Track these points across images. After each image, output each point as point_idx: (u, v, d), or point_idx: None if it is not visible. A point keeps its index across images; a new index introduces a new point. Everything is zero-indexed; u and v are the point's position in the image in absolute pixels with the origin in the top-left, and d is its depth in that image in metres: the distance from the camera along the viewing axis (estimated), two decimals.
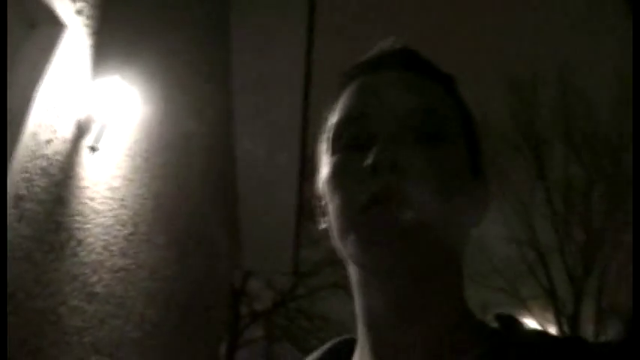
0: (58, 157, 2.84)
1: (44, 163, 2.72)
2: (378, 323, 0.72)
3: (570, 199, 15.81)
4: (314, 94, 5.57)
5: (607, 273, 15.02)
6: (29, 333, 2.66)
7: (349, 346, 0.81)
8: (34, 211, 2.66)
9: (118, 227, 3.48)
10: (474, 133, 0.80)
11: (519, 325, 0.73)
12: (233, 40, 5.38)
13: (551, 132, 15.99)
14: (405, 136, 0.71)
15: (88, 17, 3.00)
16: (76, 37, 2.91)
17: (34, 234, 2.68)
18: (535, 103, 16.03)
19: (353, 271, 0.75)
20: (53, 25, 2.77)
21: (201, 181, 4.89)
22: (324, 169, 0.78)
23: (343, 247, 0.72)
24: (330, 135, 0.78)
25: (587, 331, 14.99)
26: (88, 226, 3.16)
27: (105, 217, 3.32)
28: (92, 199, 3.18)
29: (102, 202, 3.28)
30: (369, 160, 0.69)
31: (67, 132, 2.91)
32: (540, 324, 15.03)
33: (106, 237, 3.34)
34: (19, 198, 2.56)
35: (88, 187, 3.13)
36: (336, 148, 0.76)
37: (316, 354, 0.85)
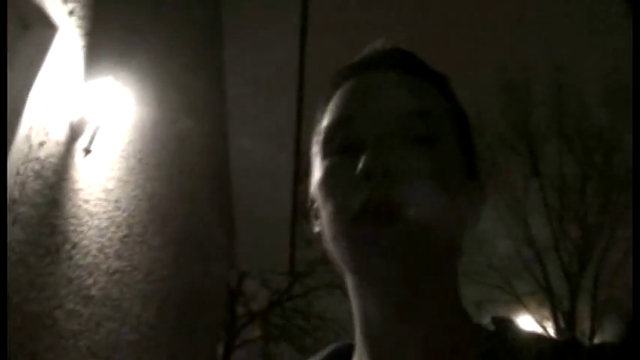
0: (52, 160, 2.81)
1: (37, 166, 2.70)
2: (375, 328, 0.71)
3: (565, 195, 15.84)
4: (308, 93, 5.56)
5: (602, 268, 15.06)
6: (25, 337, 2.64)
7: (347, 351, 0.80)
8: (27, 215, 2.64)
9: (113, 229, 3.46)
10: (468, 134, 0.78)
11: (515, 328, 0.73)
12: (227, 41, 5.36)
13: (545, 129, 16.03)
14: (397, 139, 0.70)
15: (80, 18, 2.98)
16: (69, 38, 2.89)
17: (28, 238, 2.66)
18: (529, 101, 16.05)
19: (348, 276, 0.74)
20: (45, 27, 2.75)
21: (196, 181, 4.88)
22: (316, 172, 0.77)
23: (336, 253, 0.71)
24: (322, 138, 0.76)
25: (584, 326, 15.04)
26: (83, 228, 3.14)
27: (99, 219, 3.30)
28: (86, 202, 3.16)
29: (96, 205, 3.26)
30: (360, 166, 0.67)
31: (61, 134, 2.89)
32: (536, 320, 15.08)
33: (101, 239, 3.32)
34: (13, 201, 2.54)
35: (82, 190, 3.11)
36: (327, 152, 0.75)
37: (314, 358, 0.84)
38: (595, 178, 15.58)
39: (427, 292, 0.70)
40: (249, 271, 11.52)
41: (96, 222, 3.26)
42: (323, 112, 0.79)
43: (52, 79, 2.79)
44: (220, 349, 13.64)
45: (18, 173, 2.57)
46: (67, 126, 2.94)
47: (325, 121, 0.77)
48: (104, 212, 3.35)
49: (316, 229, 0.78)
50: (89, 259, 3.20)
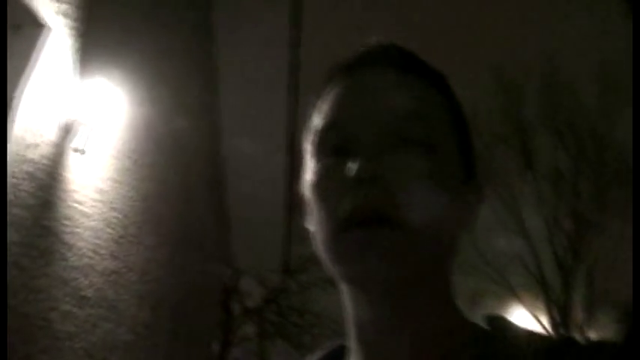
0: (45, 161, 2.80)
1: (30, 168, 2.68)
2: (369, 333, 0.70)
3: (558, 188, 15.88)
4: (301, 91, 5.55)
5: (596, 261, 15.11)
6: (20, 340, 2.63)
7: (341, 351, 0.78)
8: (21, 217, 2.62)
9: (108, 230, 3.45)
10: (466, 135, 0.76)
11: (510, 326, 0.72)
12: (219, 41, 5.34)
13: (538, 123, 16.06)
14: (393, 142, 0.68)
15: (72, 19, 2.96)
16: (61, 38, 2.88)
17: (22, 239, 2.64)
18: (522, 95, 16.08)
19: (339, 281, 0.72)
20: (37, 27, 2.74)
21: (190, 181, 4.86)
22: (308, 174, 0.74)
23: (325, 259, 0.69)
24: (315, 139, 0.74)
25: (578, 318, 15.09)
26: (77, 229, 3.12)
27: (94, 220, 3.29)
28: (80, 203, 3.15)
29: (90, 206, 3.25)
30: (351, 171, 0.65)
31: (53, 135, 2.88)
32: (531, 313, 15.11)
33: (95, 240, 3.30)
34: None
35: (75, 191, 3.10)
36: (320, 153, 0.72)
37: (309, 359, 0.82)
38: (588, 172, 15.63)
39: (421, 296, 0.68)
40: (244, 269, 11.50)
41: (90, 223, 3.25)
42: (317, 109, 0.77)
43: (44, 80, 2.77)
44: (216, 348, 13.62)
45: (11, 175, 2.56)
46: (59, 127, 2.93)
47: (319, 121, 0.75)
48: (98, 213, 3.33)
49: (310, 226, 0.75)
50: (84, 260, 3.19)
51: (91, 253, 3.24)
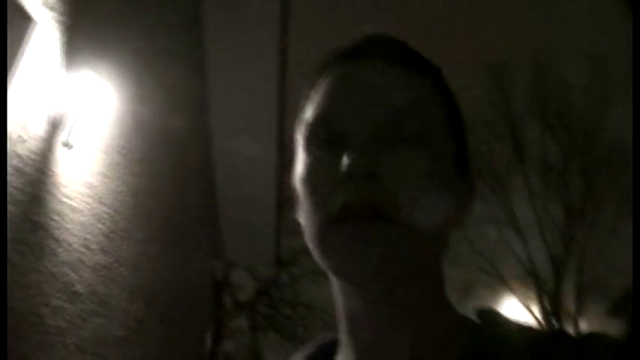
0: (32, 156, 2.78)
1: (18, 162, 2.66)
2: (358, 325, 0.70)
3: (548, 178, 15.96)
4: (291, 85, 5.54)
5: (586, 250, 15.21)
6: (10, 336, 2.61)
7: (332, 345, 0.78)
8: (9, 212, 2.61)
9: (97, 225, 3.43)
10: (460, 131, 0.75)
11: (501, 320, 0.71)
12: (207, 35, 5.32)
13: (527, 111, 16.11)
14: (386, 137, 0.66)
15: (58, 12, 2.94)
16: (47, 32, 2.85)
17: (11, 235, 2.63)
18: (510, 83, 16.11)
19: (330, 273, 0.71)
20: (22, 21, 2.71)
21: (179, 174, 4.85)
22: (299, 166, 0.73)
23: (315, 253, 0.69)
24: (305, 132, 0.73)
25: (569, 307, 15.19)
26: (67, 224, 3.11)
27: (83, 215, 3.27)
28: (69, 197, 3.13)
29: (79, 200, 3.23)
30: (343, 166, 0.64)
31: (41, 129, 2.86)
32: (522, 302, 15.20)
33: (85, 235, 3.29)
34: None
35: (64, 186, 3.08)
36: (311, 146, 0.71)
37: (300, 353, 0.82)
38: (578, 163, 15.70)
39: (413, 290, 0.68)
40: (235, 261, 11.50)
41: (79, 218, 3.23)
42: (308, 99, 0.75)
43: (31, 74, 2.75)
44: (208, 341, 13.63)
45: None
46: (46, 121, 2.91)
47: (310, 112, 0.73)
48: (87, 208, 3.32)
49: (300, 218, 0.74)
50: (74, 255, 3.17)
51: (81, 248, 3.23)
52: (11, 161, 2.61)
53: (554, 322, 14.66)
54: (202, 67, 5.42)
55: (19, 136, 2.68)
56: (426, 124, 0.69)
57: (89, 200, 3.33)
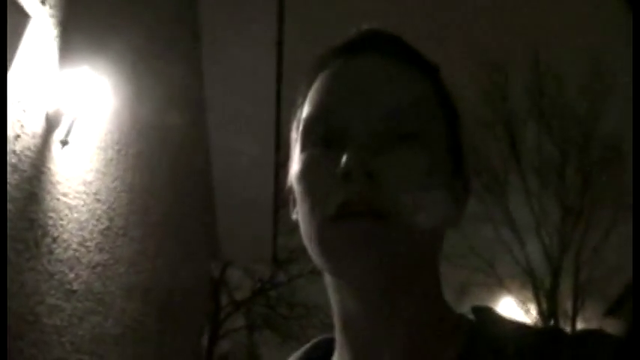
0: (28, 153, 2.76)
1: (14, 160, 2.64)
2: (354, 324, 0.69)
3: (544, 177, 15.99)
4: (287, 81, 5.54)
5: (583, 249, 15.24)
6: (7, 334, 2.59)
7: (329, 346, 0.77)
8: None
9: (94, 222, 3.41)
10: (457, 129, 0.74)
11: (497, 317, 0.70)
12: (204, 31, 5.31)
13: (524, 110, 16.14)
14: (383, 136, 0.65)
15: (53, 7, 2.91)
16: (42, 27, 2.83)
17: (8, 232, 2.60)
18: (507, 82, 16.13)
19: (326, 274, 0.71)
20: (17, 16, 2.68)
21: (176, 172, 4.84)
22: (295, 164, 0.72)
23: (311, 252, 0.68)
24: (302, 129, 0.71)
25: (566, 306, 15.21)
26: (63, 222, 3.09)
27: (79, 212, 3.25)
28: (65, 195, 3.11)
29: (75, 197, 3.21)
30: (341, 165, 0.63)
31: (36, 126, 2.83)
32: (519, 302, 15.22)
33: (81, 232, 3.27)
34: None
35: (60, 183, 3.06)
36: (307, 143, 0.70)
37: (296, 355, 0.80)
38: (574, 160, 15.74)
39: (410, 290, 0.67)
40: (232, 260, 11.50)
41: (76, 215, 3.21)
42: (304, 96, 0.74)
43: (26, 70, 2.73)
44: (205, 340, 13.62)
45: None
46: (42, 117, 2.89)
47: (306, 109, 0.72)
48: (84, 205, 3.30)
49: (294, 216, 0.74)
50: (70, 252, 3.15)
51: (77, 246, 3.21)
52: (8, 159, 2.59)
53: (551, 322, 14.68)
54: (199, 64, 5.41)
55: (15, 133, 2.66)
56: (424, 122, 0.68)
57: (85, 197, 3.31)
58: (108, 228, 3.57)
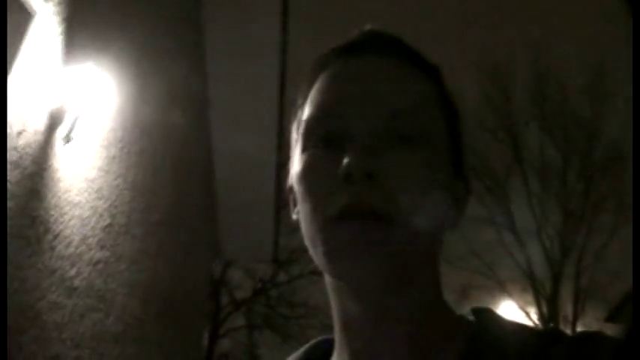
0: (31, 149, 2.76)
1: (16, 156, 2.64)
2: (354, 325, 0.69)
3: (546, 180, 15.96)
4: (291, 81, 5.53)
5: (584, 254, 15.21)
6: (8, 330, 2.59)
7: (327, 346, 0.77)
8: (7, 206, 2.58)
9: (96, 219, 3.41)
10: (457, 130, 0.74)
11: (497, 318, 0.71)
12: (208, 29, 5.31)
13: (527, 114, 16.11)
14: (384, 138, 0.66)
15: (57, 4, 2.92)
16: (46, 24, 2.83)
17: (9, 229, 2.60)
18: (509, 86, 16.11)
19: (326, 274, 0.71)
20: (21, 13, 2.68)
21: (178, 170, 4.84)
22: (295, 164, 0.72)
23: (313, 253, 0.68)
24: (302, 129, 0.71)
25: (566, 311, 15.19)
26: (65, 219, 3.09)
27: (81, 209, 3.25)
28: (68, 192, 3.11)
29: (78, 194, 3.21)
30: (342, 166, 0.63)
31: (39, 123, 2.83)
32: (520, 306, 15.20)
33: (83, 229, 3.27)
34: None
35: (62, 179, 3.06)
36: (307, 145, 0.70)
37: (294, 356, 0.81)
38: (575, 164, 15.71)
39: (410, 291, 0.67)
40: (233, 260, 11.50)
41: (78, 212, 3.21)
42: (305, 96, 0.74)
43: (30, 67, 2.73)
44: (205, 339, 13.62)
45: None
46: (45, 114, 2.89)
47: (307, 109, 0.72)
48: (86, 202, 3.30)
49: (294, 216, 0.74)
50: (71, 249, 3.15)
51: (78, 243, 3.21)
52: (10, 155, 2.59)
53: (551, 325, 14.65)
54: (203, 64, 5.41)
55: (18, 130, 2.66)
56: (426, 123, 0.68)
57: (88, 195, 3.31)
58: (110, 225, 3.58)
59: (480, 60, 15.43)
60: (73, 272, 3.16)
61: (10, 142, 2.60)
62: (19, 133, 2.67)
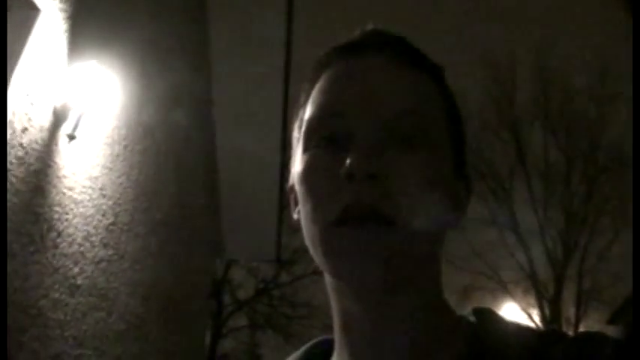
0: (35, 146, 2.76)
1: (20, 153, 2.64)
2: (354, 325, 0.69)
3: (550, 182, 15.95)
4: (295, 81, 5.53)
5: (587, 256, 15.19)
6: (10, 328, 2.59)
7: (327, 346, 0.77)
8: (11, 202, 2.58)
9: (99, 217, 3.41)
10: (459, 131, 0.74)
11: (498, 318, 0.70)
12: (212, 28, 5.31)
13: (531, 116, 16.11)
14: (387, 138, 0.65)
15: (63, 1, 2.91)
16: (51, 21, 2.83)
17: (12, 226, 2.60)
18: (513, 88, 16.10)
19: (326, 275, 0.70)
20: (27, 9, 2.69)
21: (182, 168, 4.83)
22: (297, 164, 0.72)
23: (314, 254, 0.68)
24: (304, 129, 0.71)
25: (569, 313, 15.17)
26: (68, 216, 3.08)
27: (85, 207, 3.25)
28: (71, 189, 3.11)
29: (81, 192, 3.21)
30: (345, 166, 0.63)
31: (44, 120, 2.83)
32: (522, 308, 15.18)
33: (86, 227, 3.27)
34: None
35: (66, 177, 3.06)
36: (309, 144, 0.69)
37: (294, 355, 0.80)
38: (579, 165, 15.70)
39: (411, 292, 0.67)
40: (235, 259, 11.51)
41: (81, 210, 3.21)
42: (307, 96, 0.74)
43: (35, 64, 2.73)
44: (207, 338, 13.63)
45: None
46: (50, 111, 2.89)
47: (309, 109, 0.71)
48: (89, 200, 3.30)
49: (295, 215, 0.74)
50: (75, 247, 3.15)
51: (81, 241, 3.21)
52: (14, 151, 2.59)
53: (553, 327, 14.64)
54: (207, 63, 5.41)
55: (23, 126, 2.66)
56: (429, 125, 0.68)
57: (91, 192, 3.31)
58: (113, 224, 3.57)
59: (483, 60, 15.43)
60: (76, 270, 3.16)
61: (15, 139, 2.60)
62: (24, 130, 2.66)
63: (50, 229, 2.93)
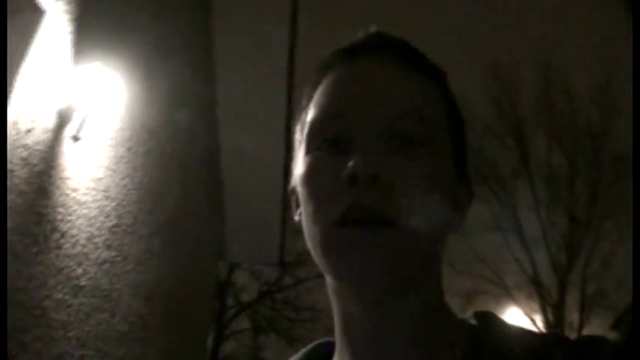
0: (39, 147, 2.76)
1: (25, 153, 2.65)
2: (355, 327, 0.69)
3: (553, 187, 15.91)
4: (299, 83, 5.53)
5: (591, 261, 15.15)
6: (13, 328, 2.60)
7: (328, 348, 0.77)
8: (15, 203, 2.59)
9: (102, 219, 3.42)
10: (461, 134, 0.74)
11: (499, 322, 0.71)
12: (216, 29, 5.32)
13: (534, 119, 16.08)
14: (388, 140, 0.66)
15: (67, 3, 2.92)
16: (56, 22, 2.84)
17: (16, 226, 2.61)
18: (517, 91, 16.08)
19: (327, 276, 0.71)
20: (32, 11, 2.70)
21: (185, 171, 4.84)
22: (299, 166, 0.72)
23: (315, 255, 0.68)
24: (307, 131, 0.71)
25: (572, 319, 15.12)
26: (72, 217, 3.09)
27: (88, 208, 3.26)
28: (75, 190, 3.12)
29: (85, 193, 3.22)
30: (347, 169, 0.63)
31: (48, 121, 2.84)
32: (525, 313, 15.15)
33: (90, 229, 3.27)
34: None
35: (70, 178, 3.07)
36: (311, 147, 0.70)
37: (294, 357, 0.81)
38: (583, 171, 15.66)
39: (412, 295, 0.67)
40: (238, 261, 11.50)
41: (85, 211, 3.22)
42: (309, 98, 0.74)
43: (39, 65, 2.74)
44: (209, 341, 13.63)
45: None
46: (54, 113, 2.89)
47: (312, 112, 0.72)
48: (93, 201, 3.30)
49: (297, 217, 0.74)
50: (78, 248, 3.16)
51: (84, 242, 3.22)
52: (18, 152, 2.60)
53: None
54: (211, 64, 5.41)
55: (27, 128, 2.67)
56: (431, 128, 0.68)
57: (95, 194, 3.32)
58: (116, 225, 3.58)
59: (487, 65, 15.42)
60: (79, 271, 3.17)
61: (19, 140, 2.61)
62: (28, 131, 2.67)
63: (54, 230, 2.93)
